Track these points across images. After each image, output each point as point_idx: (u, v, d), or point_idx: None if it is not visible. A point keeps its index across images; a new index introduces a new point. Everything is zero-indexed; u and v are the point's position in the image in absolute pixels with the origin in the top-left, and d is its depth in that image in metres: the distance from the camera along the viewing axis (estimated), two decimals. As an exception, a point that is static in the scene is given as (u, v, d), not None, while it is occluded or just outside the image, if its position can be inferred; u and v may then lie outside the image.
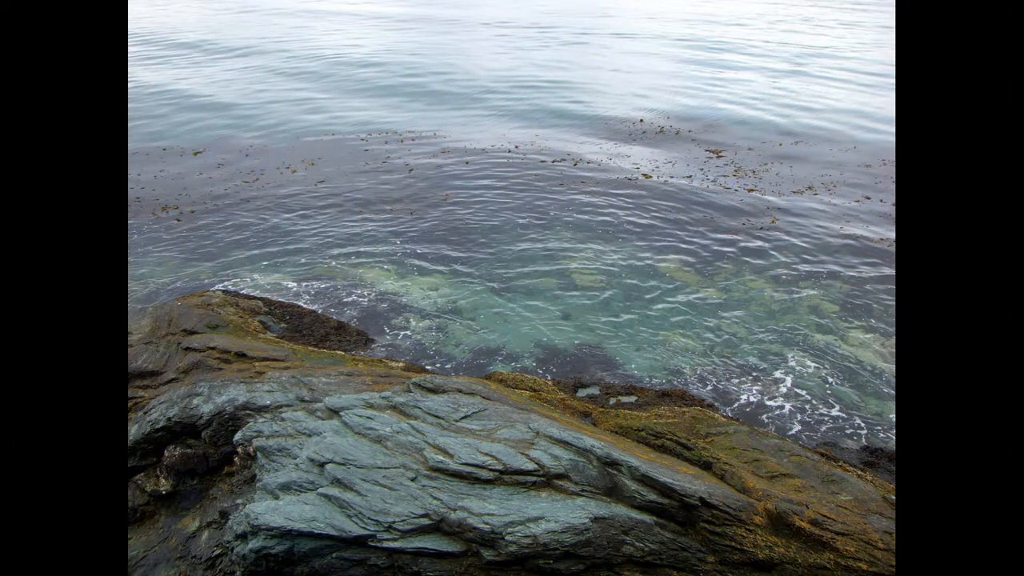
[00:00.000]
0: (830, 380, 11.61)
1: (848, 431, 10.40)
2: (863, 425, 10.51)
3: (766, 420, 10.59)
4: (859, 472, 8.39)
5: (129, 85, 32.47)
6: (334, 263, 15.67)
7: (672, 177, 21.46)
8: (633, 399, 10.40)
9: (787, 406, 10.94)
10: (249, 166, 22.46)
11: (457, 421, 7.50)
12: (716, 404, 10.82)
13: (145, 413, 8.77)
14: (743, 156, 23.82)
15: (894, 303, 13.89)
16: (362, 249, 16.36)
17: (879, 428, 10.44)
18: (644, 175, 21.59)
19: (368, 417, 7.41)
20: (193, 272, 15.20)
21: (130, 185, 20.37)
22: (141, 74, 36.37)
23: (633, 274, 15.20)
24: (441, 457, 6.75)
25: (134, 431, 8.56)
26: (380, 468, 6.65)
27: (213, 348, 10.06)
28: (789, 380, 11.59)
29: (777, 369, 11.89)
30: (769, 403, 11.01)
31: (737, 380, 11.60)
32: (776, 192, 20.43)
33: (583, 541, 6.10)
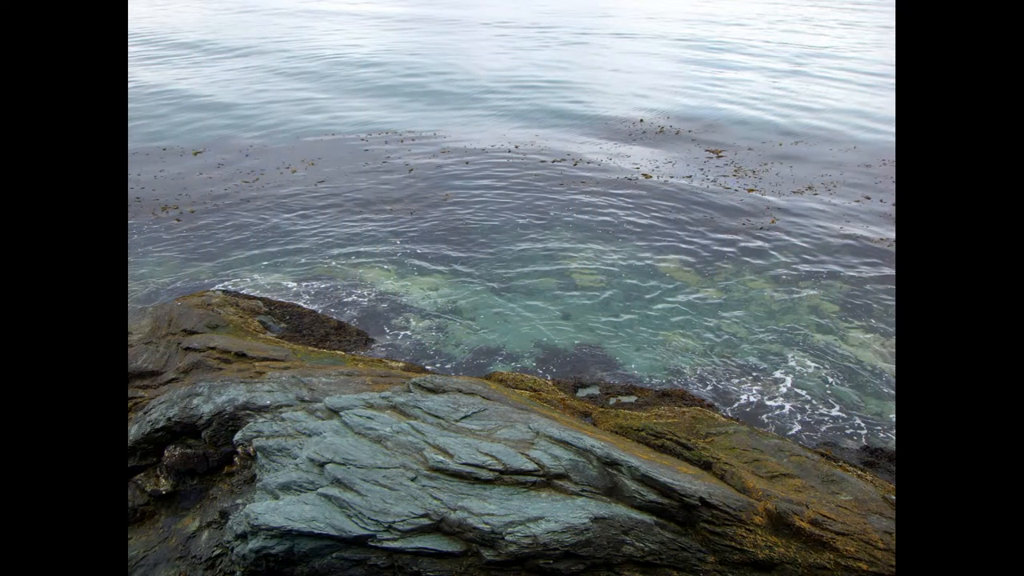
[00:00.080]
0: (830, 380, 11.61)
1: (848, 431, 10.40)
2: (863, 425, 10.51)
3: (766, 420, 10.59)
4: (859, 472, 8.39)
5: (129, 85, 32.47)
6: (334, 263, 15.67)
7: (672, 177, 21.46)
8: (633, 399, 10.40)
9: (787, 406, 10.94)
10: (249, 166, 22.46)
11: (457, 421, 7.50)
12: (716, 404, 10.82)
13: (145, 413, 8.77)
14: (743, 156, 23.82)
15: (894, 303, 13.89)
16: (362, 249, 16.36)
17: (879, 428, 10.45)
18: (644, 175, 21.59)
19: (368, 417, 7.41)
20: (193, 272, 15.20)
21: (130, 185, 20.37)
22: (141, 74, 36.37)
23: (633, 274, 15.20)
24: (441, 457, 6.75)
25: (134, 431, 8.56)
26: (380, 468, 6.65)
27: (213, 348, 10.06)
28: (789, 380, 11.59)
29: (777, 369, 11.89)
30: (769, 403, 11.01)
31: (737, 380, 11.60)
32: (776, 192, 20.43)
33: (583, 541, 6.10)
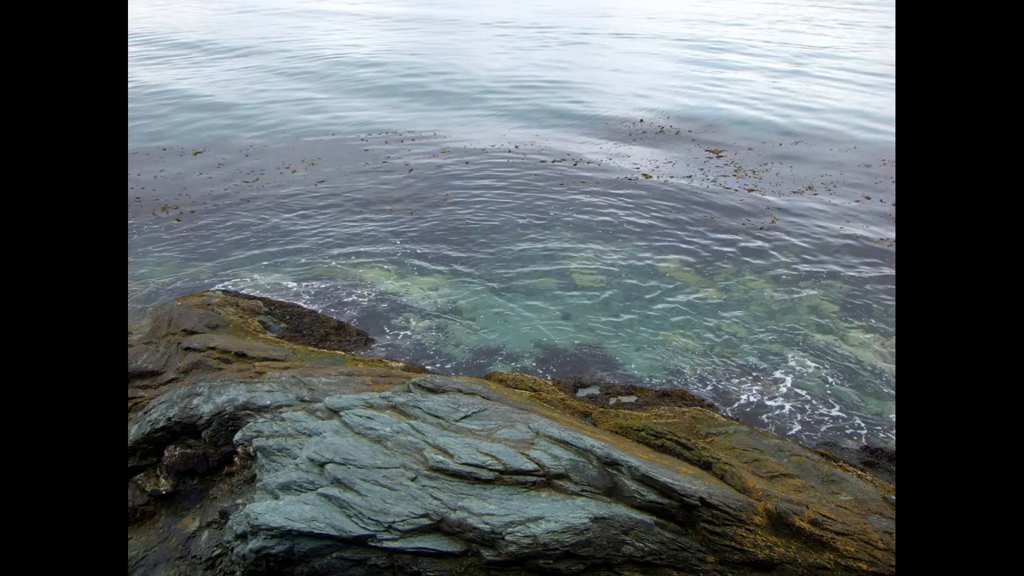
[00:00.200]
0: (830, 380, 11.61)
1: (848, 431, 10.40)
2: (863, 425, 10.51)
3: (766, 420, 10.59)
4: (859, 472, 8.39)
5: (129, 85, 32.47)
6: (334, 263, 15.67)
7: (672, 177, 21.46)
8: (633, 399, 10.40)
9: (787, 406, 10.94)
10: (249, 166, 22.46)
11: (457, 421, 7.50)
12: (716, 404, 10.82)
13: (145, 413, 8.77)
14: (743, 156, 23.82)
15: (894, 303, 13.89)
16: (362, 249, 16.36)
17: (879, 428, 10.45)
18: (644, 175, 21.59)
19: (368, 417, 7.41)
20: (193, 272, 15.20)
21: (130, 185, 20.37)
22: (141, 74, 36.37)
23: (633, 274, 15.20)
24: (441, 457, 6.75)
25: (134, 431, 8.56)
26: (380, 468, 6.65)
27: (213, 348, 10.06)
28: (789, 380, 11.59)
29: (777, 369, 11.89)
30: (769, 403, 11.01)
31: (737, 380, 11.60)
32: (776, 192, 20.43)
33: (583, 541, 6.10)
